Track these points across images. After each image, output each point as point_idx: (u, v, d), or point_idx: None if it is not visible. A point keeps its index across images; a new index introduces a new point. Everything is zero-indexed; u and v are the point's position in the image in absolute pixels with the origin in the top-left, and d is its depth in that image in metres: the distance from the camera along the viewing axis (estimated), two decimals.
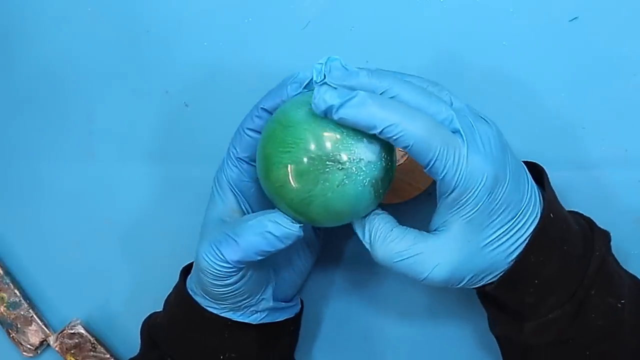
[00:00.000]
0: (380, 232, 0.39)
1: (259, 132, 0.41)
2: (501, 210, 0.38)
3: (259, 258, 0.40)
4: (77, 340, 0.52)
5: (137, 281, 0.53)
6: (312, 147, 0.36)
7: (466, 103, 0.40)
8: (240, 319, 0.44)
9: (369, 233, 0.39)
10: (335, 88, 0.36)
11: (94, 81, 0.52)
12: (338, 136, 0.36)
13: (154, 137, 0.52)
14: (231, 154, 0.43)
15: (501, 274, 0.39)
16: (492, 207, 0.38)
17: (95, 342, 0.52)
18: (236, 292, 0.42)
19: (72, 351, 0.53)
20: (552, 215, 0.39)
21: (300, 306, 0.48)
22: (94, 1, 0.52)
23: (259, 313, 0.44)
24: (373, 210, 0.40)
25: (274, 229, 0.39)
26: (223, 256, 0.40)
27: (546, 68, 0.48)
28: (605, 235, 0.42)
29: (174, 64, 0.52)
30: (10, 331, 0.54)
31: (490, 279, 0.40)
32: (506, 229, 0.38)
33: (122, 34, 0.52)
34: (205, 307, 0.44)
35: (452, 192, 0.37)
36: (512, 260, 0.39)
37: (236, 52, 0.51)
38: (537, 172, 0.42)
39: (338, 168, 0.36)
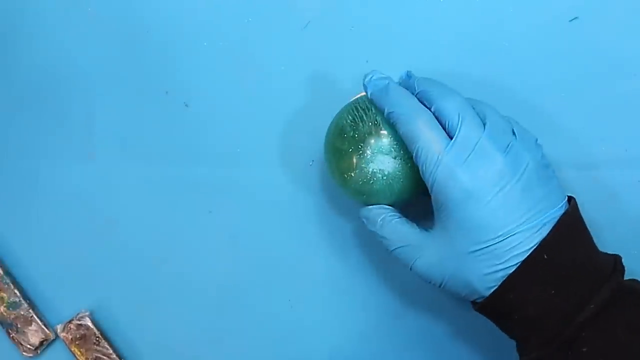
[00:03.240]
0: (384, 221, 0.43)
1: None
2: (477, 229, 0.38)
3: None
4: (83, 332, 0.52)
5: (136, 281, 0.53)
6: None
7: (515, 128, 0.41)
8: None
9: (375, 222, 0.43)
10: (380, 74, 0.43)
11: (94, 81, 0.52)
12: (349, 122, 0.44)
13: (154, 137, 0.52)
14: None
15: (481, 299, 0.40)
16: (465, 221, 0.38)
17: (100, 336, 0.53)
18: None
19: (77, 342, 0.53)
20: (545, 256, 0.38)
21: None
22: (94, 1, 0.52)
23: None
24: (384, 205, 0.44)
25: None
26: None
27: (546, 68, 0.48)
28: (613, 292, 0.38)
29: (174, 64, 0.52)
30: (10, 331, 0.54)
31: (475, 298, 0.40)
32: (483, 251, 0.38)
33: (122, 34, 0.52)
34: None
35: (431, 191, 0.40)
36: (490, 287, 0.39)
37: (236, 52, 0.51)
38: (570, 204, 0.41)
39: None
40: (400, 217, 0.43)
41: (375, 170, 0.42)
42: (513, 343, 0.42)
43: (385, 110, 0.41)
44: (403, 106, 0.41)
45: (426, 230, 0.42)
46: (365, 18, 0.49)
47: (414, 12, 0.49)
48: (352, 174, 0.43)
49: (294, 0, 0.50)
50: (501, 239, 0.38)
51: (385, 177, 0.42)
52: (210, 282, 0.52)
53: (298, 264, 0.52)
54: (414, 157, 0.40)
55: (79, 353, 0.53)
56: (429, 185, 0.40)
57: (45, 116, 0.53)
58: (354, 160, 0.43)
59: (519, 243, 0.38)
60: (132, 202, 0.53)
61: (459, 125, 0.39)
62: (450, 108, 0.40)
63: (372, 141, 0.42)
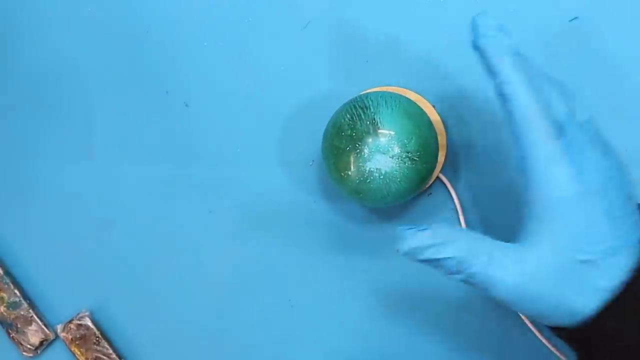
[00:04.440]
0: (445, 237, 0.35)
1: None
2: (589, 235, 0.33)
3: None
4: (83, 332, 0.53)
5: (136, 281, 0.53)
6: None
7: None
8: None
9: (433, 243, 0.34)
10: (500, 26, 0.36)
11: (94, 81, 0.52)
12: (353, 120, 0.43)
13: (154, 137, 0.52)
14: None
15: (580, 320, 0.33)
16: (576, 223, 0.33)
17: (100, 336, 0.53)
18: None
19: (77, 342, 0.53)
20: None
21: None
22: (94, 1, 0.52)
23: None
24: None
25: None
26: None
27: (546, 68, 0.48)
28: None
29: (174, 64, 0.52)
30: (10, 331, 0.54)
31: (567, 321, 0.34)
32: (593, 262, 0.32)
33: (122, 34, 0.52)
34: None
35: (527, 187, 0.34)
36: (593, 308, 0.33)
37: (236, 52, 0.51)
38: None
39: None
40: (463, 228, 0.38)
41: (372, 169, 0.42)
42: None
43: (499, 78, 0.35)
44: (522, 80, 0.34)
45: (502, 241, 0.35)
46: (366, 18, 0.49)
47: (414, 12, 0.49)
48: (349, 173, 0.43)
49: (294, 0, 0.50)
50: (611, 251, 0.32)
51: (382, 177, 0.42)
52: (210, 282, 0.52)
53: (298, 264, 0.52)
54: (515, 139, 0.34)
55: (79, 353, 0.53)
56: (526, 177, 0.34)
57: (45, 116, 0.53)
58: (352, 158, 0.43)
59: (624, 259, 0.32)
60: (132, 202, 0.53)
61: (568, 118, 0.35)
62: (554, 98, 0.35)
63: (370, 140, 0.42)
